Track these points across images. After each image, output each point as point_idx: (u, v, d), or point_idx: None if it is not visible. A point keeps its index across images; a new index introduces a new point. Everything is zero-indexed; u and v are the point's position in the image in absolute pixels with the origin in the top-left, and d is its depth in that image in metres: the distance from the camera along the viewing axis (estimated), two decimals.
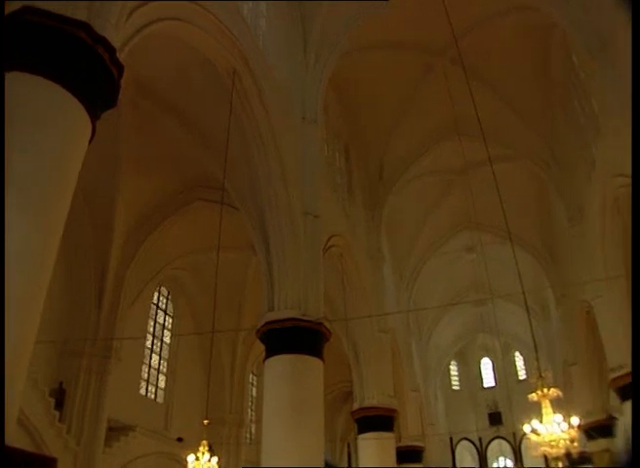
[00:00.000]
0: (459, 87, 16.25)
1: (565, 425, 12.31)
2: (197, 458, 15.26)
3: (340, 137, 21.84)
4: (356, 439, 21.34)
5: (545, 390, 12.42)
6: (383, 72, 20.82)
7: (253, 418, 28.30)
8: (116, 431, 18.55)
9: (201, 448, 15.45)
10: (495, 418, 41.55)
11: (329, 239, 16.53)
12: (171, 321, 24.17)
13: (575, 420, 12.55)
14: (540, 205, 26.68)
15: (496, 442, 41.75)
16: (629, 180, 15.14)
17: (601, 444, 24.32)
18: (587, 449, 25.03)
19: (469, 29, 18.58)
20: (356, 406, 20.32)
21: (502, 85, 21.25)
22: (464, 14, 17.58)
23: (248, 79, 13.40)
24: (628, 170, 15.01)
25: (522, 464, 39.12)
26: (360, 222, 22.38)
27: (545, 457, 26.73)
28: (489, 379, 45.20)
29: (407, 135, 22.96)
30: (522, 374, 43.34)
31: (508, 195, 21.02)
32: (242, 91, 13.34)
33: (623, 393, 18.82)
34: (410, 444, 25.04)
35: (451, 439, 40.42)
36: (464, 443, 41.72)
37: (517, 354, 44.16)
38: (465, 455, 41.82)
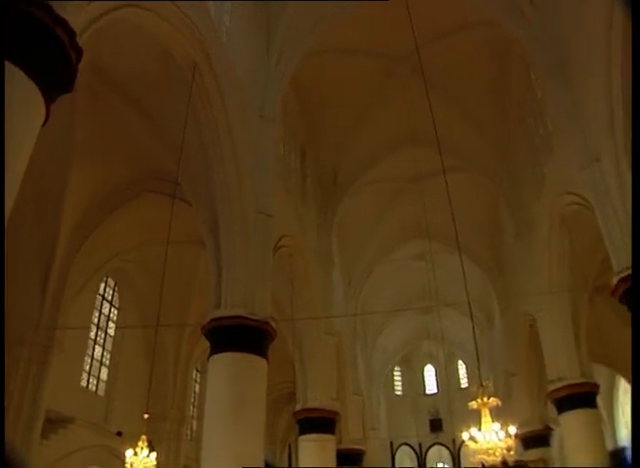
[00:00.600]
0: (418, 96, 16.45)
1: (503, 434, 12.58)
2: (135, 453, 15.13)
3: (296, 138, 21.87)
4: (297, 440, 21.37)
5: (485, 399, 12.65)
6: (345, 76, 20.96)
7: (195, 415, 28.11)
8: (54, 423, 18.13)
9: (140, 444, 15.32)
10: (435, 425, 42.07)
11: (280, 239, 16.55)
12: (116, 313, 23.85)
13: (512, 429, 12.82)
14: (490, 217, 27.13)
15: (435, 448, 42.32)
16: (577, 199, 15.60)
17: (537, 453, 24.81)
18: (523, 458, 25.52)
19: (432, 40, 18.78)
20: (298, 407, 20.37)
21: (461, 97, 21.61)
22: (428, 24, 17.75)
23: (208, 74, 13.33)
24: (576, 189, 15.49)
25: None
26: (312, 224, 22.45)
27: (483, 465, 27.21)
28: (431, 386, 45.75)
29: (364, 140, 23.12)
30: (464, 383, 44.05)
31: (460, 206, 21.35)
32: (202, 85, 13.27)
33: (560, 405, 19.30)
34: (350, 447, 25.19)
35: (391, 443, 40.86)
36: (405, 448, 42.18)
37: (460, 362, 44.82)
38: (405, 460, 42.26)
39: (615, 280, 12.93)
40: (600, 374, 24.28)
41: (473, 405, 12.79)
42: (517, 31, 16.68)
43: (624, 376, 28.57)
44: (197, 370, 28.57)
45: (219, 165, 13.95)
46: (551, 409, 21.71)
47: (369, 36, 19.72)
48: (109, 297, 23.57)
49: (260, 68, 16.94)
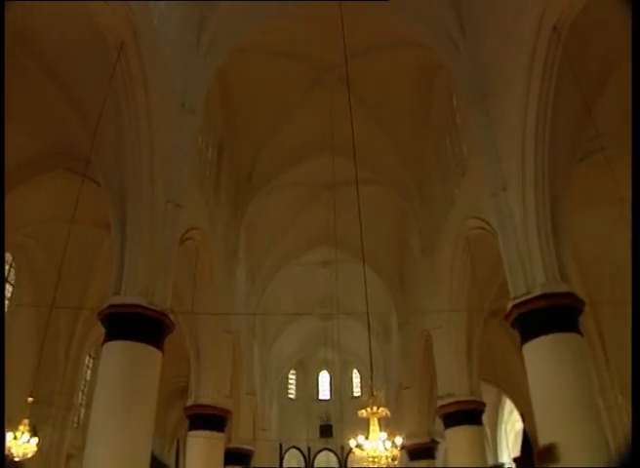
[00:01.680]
0: (341, 105, 16.60)
1: (389, 443, 12.82)
2: (15, 438, 14.62)
3: (216, 132, 21.62)
4: (186, 435, 21.13)
5: (375, 408, 12.85)
6: (272, 77, 20.89)
7: (83, 402, 27.30)
8: None
9: (21, 428, 14.80)
10: (325, 430, 42.37)
11: (187, 231, 16.30)
12: (11, 289, 22.92)
13: (398, 440, 13.08)
14: (398, 232, 27.66)
15: (324, 453, 42.69)
16: (482, 223, 16.13)
17: (421, 464, 25.54)
18: None
19: (362, 52, 18.97)
20: (190, 402, 20.12)
21: (383, 112, 21.95)
22: (361, 37, 17.98)
23: (134, 55, 12.93)
24: (483, 214, 16.02)
25: None
26: (222, 220, 22.21)
27: None
28: (325, 392, 46.14)
29: (283, 142, 23.14)
30: (357, 391, 44.67)
31: (370, 218, 21.69)
32: (126, 65, 12.87)
33: (447, 420, 19.90)
34: (240, 446, 25.09)
35: (281, 445, 40.93)
36: (293, 451, 42.36)
37: (355, 371, 45.44)
38: (293, 463, 42.44)
39: (509, 305, 13.42)
40: (488, 394, 25.13)
41: (363, 413, 12.96)
42: (446, 57, 17.11)
43: (510, 397, 29.69)
44: (90, 357, 27.78)
45: (133, 149, 13.58)
46: (439, 424, 22.29)
47: (301, 41, 19.76)
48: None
49: (187, 58, 16.69)
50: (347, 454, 38.22)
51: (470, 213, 17.30)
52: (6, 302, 22.33)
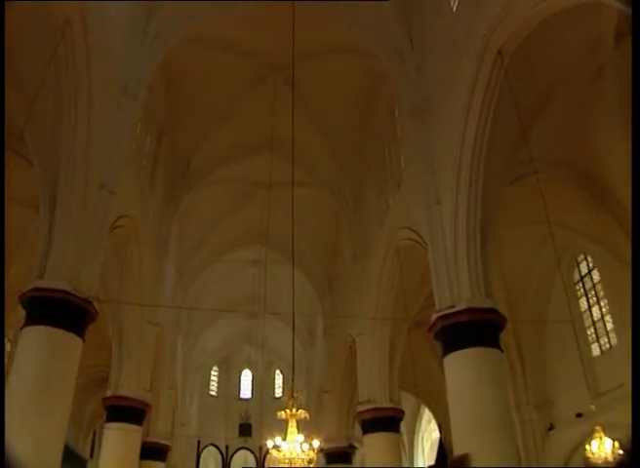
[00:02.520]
0: (284, 106, 16.63)
1: (306, 446, 12.89)
2: None
3: (156, 122, 21.27)
4: (103, 427, 20.70)
5: (294, 410, 12.92)
6: (218, 71, 20.73)
7: None
8: None
9: None
10: (245, 429, 42.17)
11: (118, 219, 16.00)
12: None
13: (316, 443, 13.18)
14: (331, 237, 27.81)
15: (242, 452, 42.48)
16: (414, 235, 16.39)
17: None
18: None
19: (310, 56, 19.11)
20: (109, 393, 19.71)
21: (326, 117, 22.10)
22: (309, 40, 18.10)
23: (80, 33, 12.66)
24: (415, 225, 16.27)
25: None
26: (154, 211, 21.81)
27: None
28: (246, 391, 45.93)
29: (223, 137, 22.97)
30: (279, 392, 44.61)
31: (304, 221, 21.86)
32: (70, 44, 12.58)
33: (366, 425, 20.14)
34: (157, 441, 24.65)
35: (198, 442, 40.53)
36: (211, 448, 42.00)
37: (278, 372, 45.41)
38: (210, 461, 42.07)
39: (434, 317, 13.66)
40: (407, 402, 25.49)
41: (282, 414, 13.02)
42: (391, 68, 17.31)
43: (428, 407, 30.19)
44: (8, 340, 26.94)
45: (70, 130, 13.26)
46: (357, 429, 22.51)
47: (251, 38, 19.71)
48: None
49: (134, 42, 16.38)
50: (265, 455, 38.19)
51: (403, 223, 17.55)
52: None
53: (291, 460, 12.78)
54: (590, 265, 21.02)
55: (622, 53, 13.98)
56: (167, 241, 23.26)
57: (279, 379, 45.62)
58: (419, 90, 16.31)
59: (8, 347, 26.62)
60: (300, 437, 12.96)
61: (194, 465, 39.94)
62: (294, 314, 13.86)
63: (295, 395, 13.63)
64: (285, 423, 13.15)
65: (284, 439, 13.00)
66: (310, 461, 13.02)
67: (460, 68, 13.78)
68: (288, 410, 12.99)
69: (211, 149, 23.39)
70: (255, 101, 21.58)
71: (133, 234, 18.58)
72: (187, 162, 23.59)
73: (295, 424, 13.04)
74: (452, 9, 15.25)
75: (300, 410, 13.16)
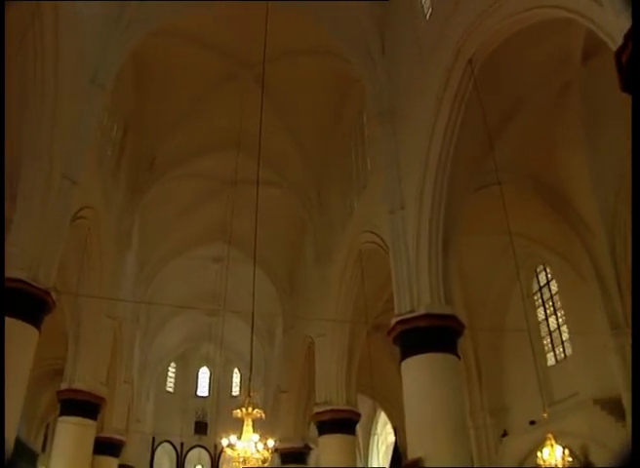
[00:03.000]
0: (253, 105, 16.58)
1: (261, 445, 12.84)
2: None
3: (124, 113, 21.01)
4: (56, 421, 20.39)
5: (250, 409, 12.86)
6: (189, 66, 20.59)
7: None
8: None
9: None
10: (200, 427, 41.91)
11: (81, 209, 15.75)
12: None
13: (270, 443, 13.11)
14: (293, 237, 27.84)
15: (196, 450, 42.17)
16: (377, 239, 16.48)
17: None
18: None
19: (282, 55, 19.02)
20: (64, 386, 19.40)
21: (294, 117, 22.11)
22: (282, 40, 18.00)
23: (50, 19, 12.49)
24: (378, 230, 16.36)
25: None
26: (118, 203, 21.61)
27: None
28: (203, 388, 45.61)
29: (190, 132, 22.79)
30: (236, 391, 44.42)
31: (268, 220, 21.72)
32: (39, 27, 12.37)
33: (322, 427, 20.16)
34: (111, 436, 24.37)
35: (153, 439, 40.14)
36: (166, 445, 41.59)
37: (236, 370, 45.23)
38: (164, 458, 41.67)
39: (393, 321, 13.73)
40: (364, 405, 25.62)
41: (237, 413, 12.93)
42: (362, 72, 17.39)
43: (385, 410, 30.38)
44: None
45: (35, 116, 13.05)
46: (313, 430, 22.52)
47: (223, 34, 19.66)
48: None
49: (105, 31, 16.19)
50: (220, 453, 37.97)
51: (366, 227, 17.63)
52: None
53: (245, 459, 12.69)
54: (549, 276, 21.38)
55: (590, 70, 14.29)
56: (129, 234, 23.02)
57: (237, 378, 45.45)
58: (388, 95, 16.42)
59: None
60: (256, 436, 12.89)
61: (148, 462, 39.53)
62: (253, 313, 13.82)
63: (251, 394, 13.53)
64: (241, 422, 13.08)
65: (239, 438, 12.92)
66: (265, 461, 12.95)
67: (430, 75, 13.91)
68: (244, 409, 12.90)
69: (178, 143, 23.16)
70: (224, 98, 21.48)
71: (95, 226, 18.33)
72: (153, 155, 23.33)
73: (250, 423, 12.95)
74: (425, 16, 15.41)
75: (256, 410, 13.07)
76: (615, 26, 7.53)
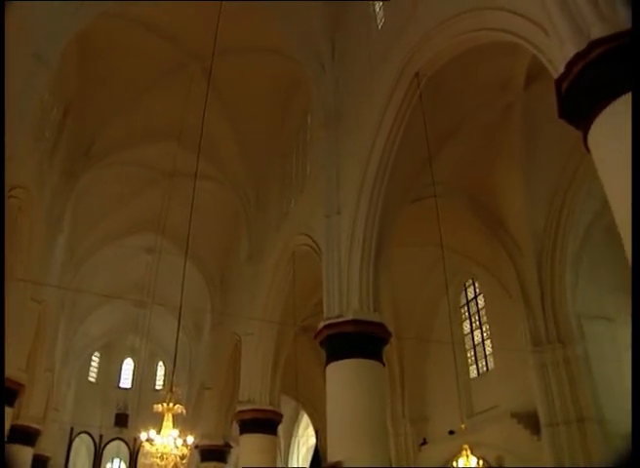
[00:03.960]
0: (199, 97, 16.42)
1: (180, 441, 12.74)
2: None
3: (65, 94, 20.49)
4: None
5: (171, 404, 12.75)
6: (138, 52, 20.25)
7: None
8: None
9: None
10: (121, 419, 41.19)
11: (12, 189, 15.38)
12: None
13: (190, 439, 13.03)
14: (229, 235, 27.69)
15: (116, 443, 41.40)
16: (311, 242, 16.54)
17: (211, 466, 25.60)
18: None
19: (233, 51, 18.97)
20: None
21: (239, 114, 21.97)
22: (235, 35, 17.97)
23: None
24: (313, 233, 16.43)
25: None
26: (52, 185, 21.05)
27: None
28: (126, 380, 44.82)
29: (132, 119, 22.38)
30: (159, 384, 43.85)
31: (203, 215, 21.56)
32: None
33: (244, 426, 20.09)
34: (27, 424, 23.71)
35: (72, 429, 39.26)
36: (85, 436, 40.69)
37: (161, 363, 44.67)
38: (81, 449, 40.76)
39: (321, 324, 13.79)
40: (287, 406, 25.65)
41: (158, 408, 12.82)
42: (311, 75, 17.37)
43: (307, 412, 30.46)
44: None
45: None
46: (235, 428, 22.41)
47: (176, 23, 19.43)
48: None
49: (55, 9, 15.71)
50: (139, 447, 37.39)
51: (301, 229, 17.67)
52: None
53: (163, 455, 12.59)
54: (477, 291, 21.85)
55: (531, 94, 14.70)
56: (61, 218, 22.44)
57: (161, 371, 44.87)
58: (334, 100, 16.46)
59: None
60: (175, 432, 12.80)
61: (65, 453, 38.63)
62: (181, 307, 13.68)
63: (174, 389, 13.44)
64: (161, 417, 12.96)
65: (158, 432, 12.80)
66: (183, 457, 12.86)
67: (377, 85, 14.05)
68: (165, 404, 12.80)
69: (118, 130, 22.69)
70: (170, 88, 21.20)
71: (26, 206, 17.90)
72: (92, 139, 22.76)
73: (171, 418, 12.85)
74: (378, 26, 15.57)
75: (177, 405, 12.99)
76: (558, 55, 7.75)
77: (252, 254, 22.85)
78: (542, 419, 16.26)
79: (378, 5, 15.99)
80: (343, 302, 13.54)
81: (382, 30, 15.15)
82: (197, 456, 25.39)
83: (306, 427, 34.81)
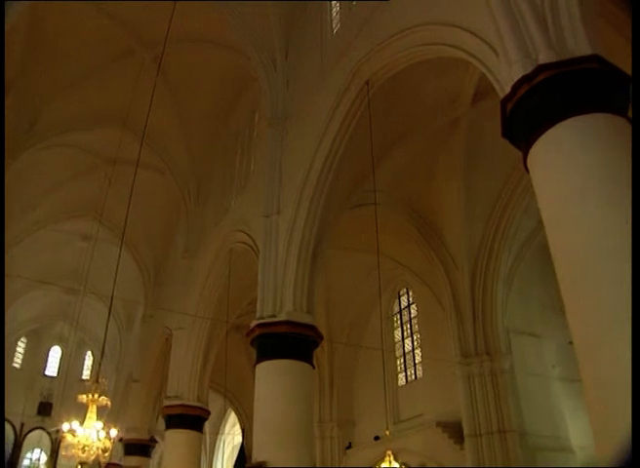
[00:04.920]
0: (147, 85, 16.22)
1: (103, 434, 12.54)
2: None
3: (9, 69, 19.77)
4: None
5: (96, 395, 12.55)
6: (89, 32, 19.67)
7: None
8: None
9: None
10: (44, 408, 40.31)
11: None
12: None
13: (113, 432, 12.85)
14: (167, 227, 27.30)
15: (37, 432, 40.39)
16: (249, 240, 16.50)
17: (135, 461, 25.10)
18: (122, 463, 25.64)
19: (185, 42, 18.80)
20: None
21: (187, 106, 21.72)
22: (189, 26, 17.83)
23: None
24: (251, 231, 16.38)
25: (56, 462, 38.53)
26: None
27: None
28: (52, 368, 43.87)
29: (77, 101, 21.80)
30: (86, 374, 43.02)
31: (143, 204, 21.31)
32: None
33: (170, 421, 19.91)
34: None
35: None
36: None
37: (89, 353, 43.86)
38: None
39: (254, 323, 13.75)
40: (214, 403, 25.47)
41: (83, 398, 12.62)
42: (262, 73, 17.26)
43: (235, 410, 30.35)
44: None
45: None
46: (161, 423, 22.18)
47: (129, 7, 19.00)
48: None
49: None
50: (61, 438, 36.50)
51: (240, 226, 17.56)
52: None
53: (85, 447, 12.39)
54: (410, 300, 22.13)
55: (478, 111, 14.99)
56: None
57: (89, 361, 44.03)
58: (283, 99, 16.43)
59: None
60: (99, 424, 12.62)
61: None
62: (113, 297, 13.48)
63: (100, 380, 13.23)
64: (86, 408, 12.74)
65: (82, 424, 12.59)
66: (105, 450, 12.69)
67: (327, 89, 14.09)
68: (90, 395, 12.59)
69: (62, 111, 22.08)
70: (119, 73, 20.76)
71: None
72: (34, 118, 22.11)
73: (95, 410, 12.67)
74: (333, 30, 15.64)
75: (102, 397, 12.80)
76: (506, 76, 7.92)
77: (189, 248, 22.60)
78: (466, 429, 16.59)
79: (335, 9, 16.05)
80: (277, 302, 13.54)
81: (337, 35, 15.21)
82: (121, 450, 25.01)
83: (233, 425, 34.66)
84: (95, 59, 20.76)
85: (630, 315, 5.55)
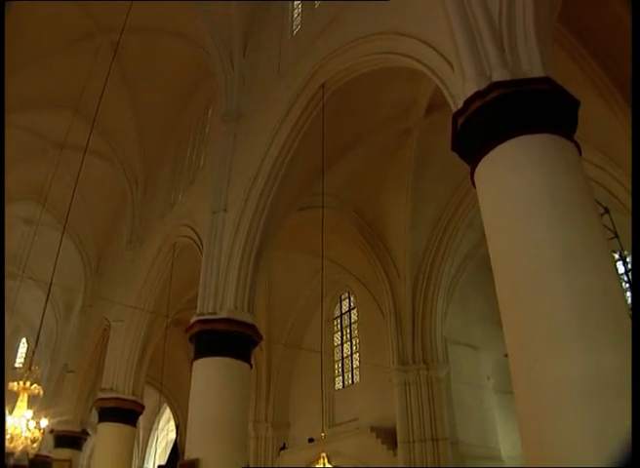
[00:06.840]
0: (101, 71, 15.95)
1: (33, 424, 12.29)
2: None
3: None
4: None
5: (28, 384, 12.31)
6: (47, 13, 19.09)
7: None
8: None
9: None
10: None
11: None
12: None
13: (43, 422, 12.60)
14: (112, 215, 26.87)
15: None
16: (194, 235, 16.40)
17: (66, 453, 24.53)
18: (51, 455, 25.09)
19: (145, 30, 18.59)
20: None
21: (142, 95, 21.43)
22: (150, 14, 17.63)
23: None
24: (197, 226, 16.29)
25: None
26: None
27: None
28: None
29: (29, 81, 21.02)
30: (20, 362, 42.06)
31: (89, 192, 20.93)
32: None
33: (103, 414, 19.65)
34: None
35: None
36: None
37: (24, 340, 42.85)
38: None
39: (193, 319, 13.67)
40: (150, 398, 25.18)
41: (13, 386, 12.37)
42: (219, 69, 17.17)
43: (170, 406, 30.17)
44: None
45: None
46: (94, 416, 21.84)
47: None
48: None
49: None
50: None
51: (186, 221, 17.43)
52: None
53: (13, 437, 12.12)
54: (352, 304, 22.31)
55: (430, 122, 15.22)
56: None
57: (23, 348, 42.98)
58: (238, 97, 16.37)
59: None
60: (29, 413, 12.38)
61: None
62: (51, 284, 13.28)
63: (33, 367, 12.99)
64: (16, 396, 12.48)
65: (11, 412, 12.32)
66: (34, 441, 12.45)
67: (282, 89, 14.13)
68: (22, 383, 12.34)
69: (13, 90, 21.49)
70: (74, 56, 20.30)
71: None
72: None
73: (25, 399, 12.42)
74: (292, 31, 15.67)
75: (34, 385, 12.56)
76: (460, 90, 8.04)
77: (132, 240, 22.30)
78: (400, 435, 16.81)
79: (297, 11, 16.08)
80: (218, 300, 13.48)
81: (297, 36, 15.24)
82: (51, 442, 24.50)
83: (168, 421, 34.38)
84: (52, 40, 20.26)
85: (564, 332, 5.74)
